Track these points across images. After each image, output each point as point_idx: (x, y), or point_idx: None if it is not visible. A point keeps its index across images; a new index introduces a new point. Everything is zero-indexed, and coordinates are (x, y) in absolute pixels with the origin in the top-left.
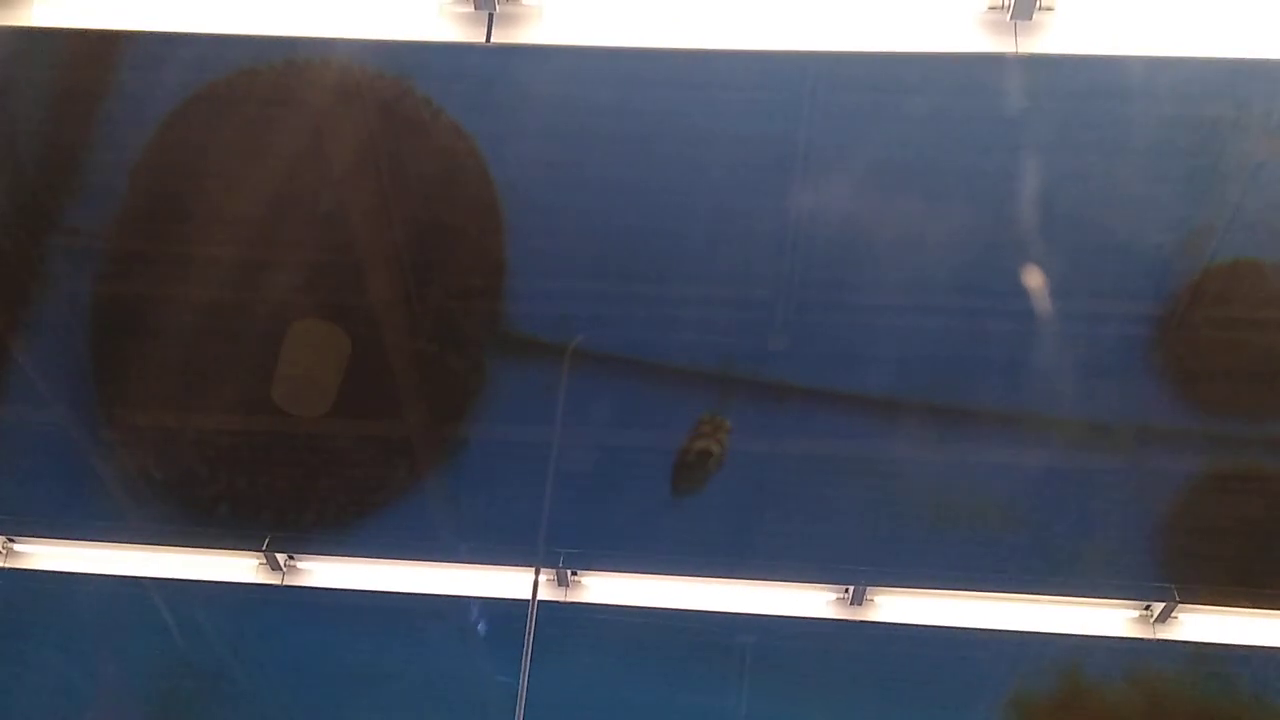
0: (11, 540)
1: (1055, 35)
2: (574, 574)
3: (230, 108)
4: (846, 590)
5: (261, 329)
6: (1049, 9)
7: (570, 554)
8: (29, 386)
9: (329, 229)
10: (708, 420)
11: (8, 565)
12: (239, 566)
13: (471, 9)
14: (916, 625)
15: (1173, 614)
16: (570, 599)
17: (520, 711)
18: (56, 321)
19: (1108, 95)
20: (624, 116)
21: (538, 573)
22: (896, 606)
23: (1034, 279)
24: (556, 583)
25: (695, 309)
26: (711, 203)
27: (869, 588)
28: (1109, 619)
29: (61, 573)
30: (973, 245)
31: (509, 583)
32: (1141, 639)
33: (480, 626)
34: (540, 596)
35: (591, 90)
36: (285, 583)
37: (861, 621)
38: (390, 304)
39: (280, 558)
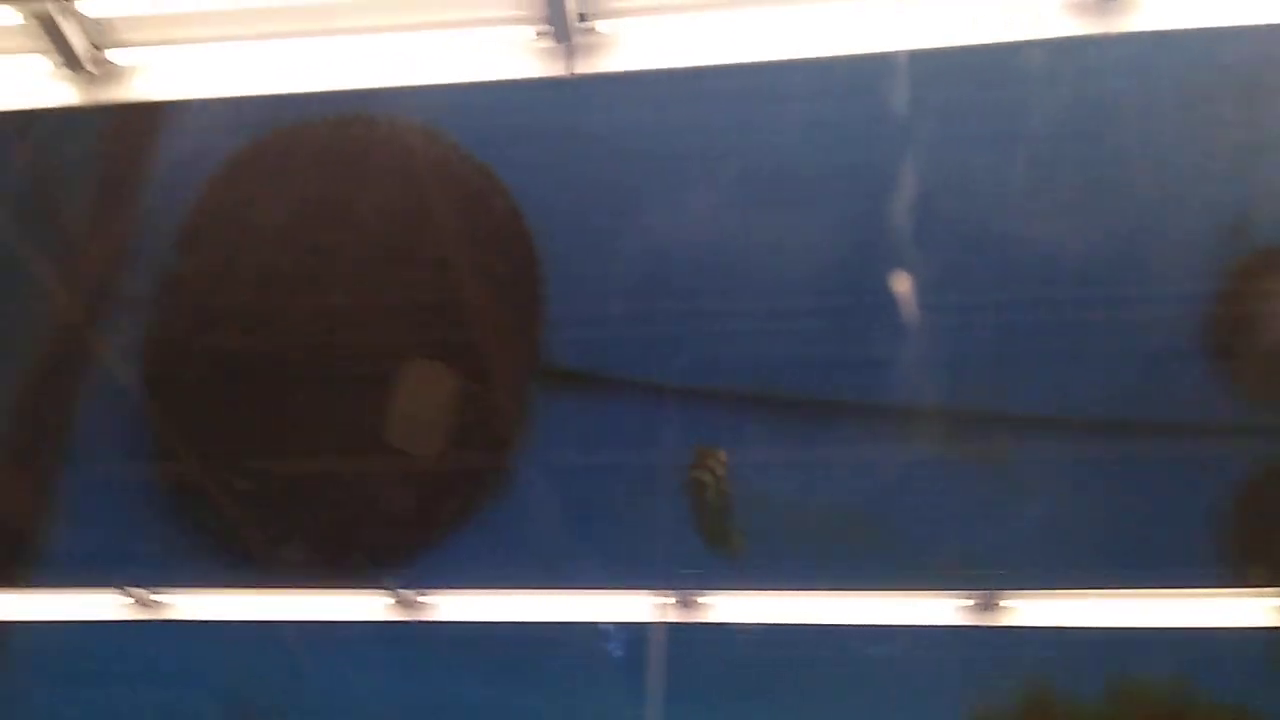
0: (152, 592)
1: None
2: (697, 595)
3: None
4: (979, 596)
5: (338, 374)
6: None
7: (691, 575)
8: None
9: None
10: (702, 451)
11: (151, 616)
12: (369, 605)
13: (552, 43)
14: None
15: None
16: (696, 619)
17: None
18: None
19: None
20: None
21: (662, 595)
22: (1030, 610)
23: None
24: (680, 604)
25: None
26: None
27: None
28: None
29: (200, 621)
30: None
31: (631, 607)
32: None
33: (611, 650)
34: (665, 619)
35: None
36: (416, 618)
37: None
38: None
39: (409, 594)
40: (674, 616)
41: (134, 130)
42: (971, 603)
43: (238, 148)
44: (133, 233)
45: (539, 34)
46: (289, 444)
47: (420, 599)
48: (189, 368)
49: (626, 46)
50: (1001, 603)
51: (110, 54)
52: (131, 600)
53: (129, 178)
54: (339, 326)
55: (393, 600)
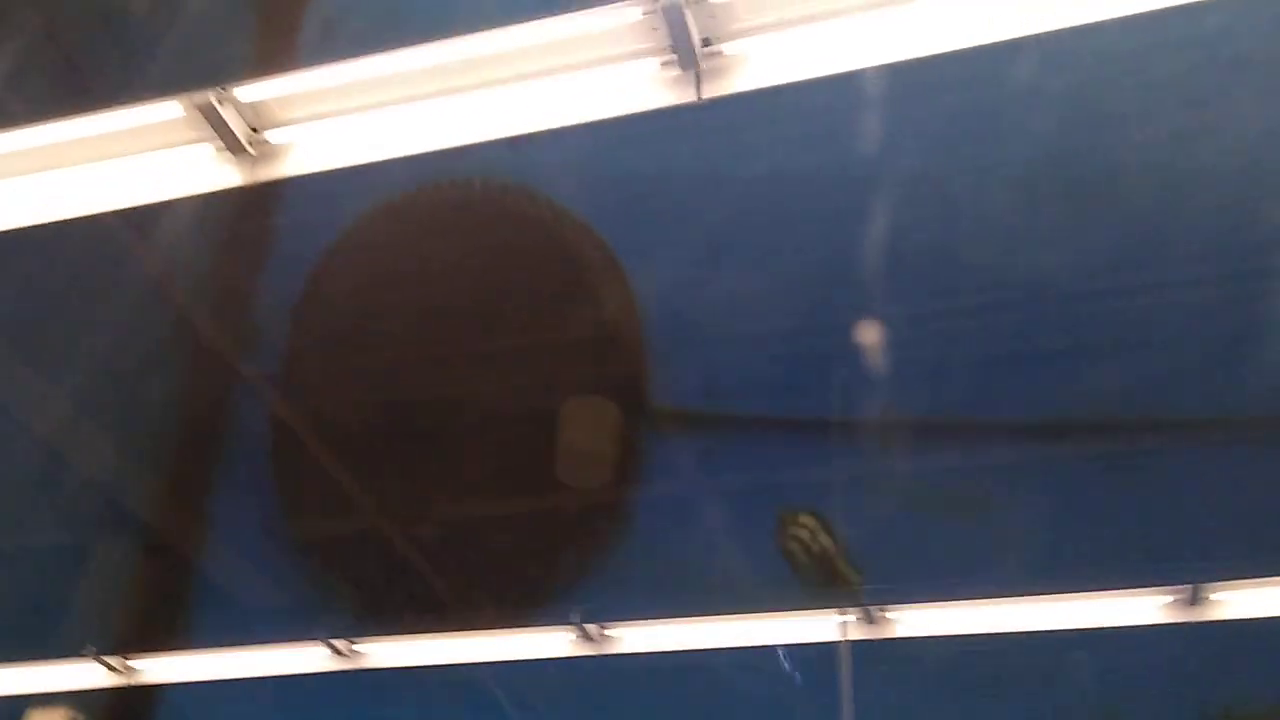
0: (352, 642)
1: None
2: (880, 609)
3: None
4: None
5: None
6: None
7: (875, 590)
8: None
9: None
10: (785, 518)
11: (353, 666)
12: (554, 641)
13: (679, 71)
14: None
15: None
16: (882, 635)
17: None
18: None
19: None
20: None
21: (845, 613)
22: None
23: None
24: (865, 620)
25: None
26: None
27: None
28: None
29: (400, 668)
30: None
31: (815, 627)
32: None
33: (795, 674)
34: (849, 636)
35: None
36: (600, 652)
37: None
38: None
39: (591, 628)
40: (859, 634)
41: (285, 202)
42: (1174, 599)
43: (376, 210)
44: (299, 299)
45: (664, 64)
46: (459, 489)
47: (605, 632)
48: (367, 424)
49: (753, 65)
50: (1210, 596)
51: (267, 134)
52: (331, 651)
53: (289, 247)
54: (475, 374)
55: (577, 635)
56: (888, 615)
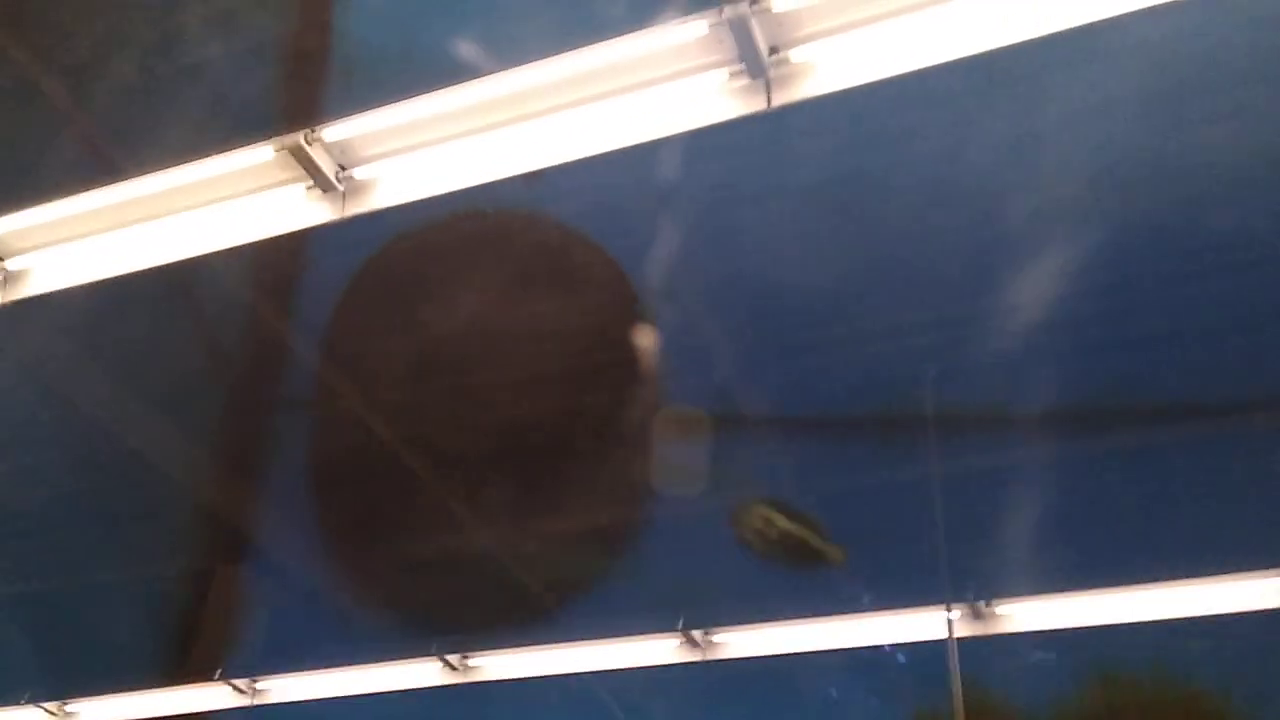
0: (465, 656)
1: None
2: (988, 604)
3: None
4: None
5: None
6: None
7: (981, 585)
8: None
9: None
10: (735, 514)
11: (464, 680)
12: (659, 648)
13: (748, 81)
14: None
15: None
16: (991, 632)
17: None
18: (469, 453)
19: None
20: None
21: (950, 609)
22: None
23: None
24: (972, 616)
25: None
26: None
27: None
28: None
29: (511, 680)
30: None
31: (920, 625)
32: None
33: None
34: (957, 634)
35: None
36: (704, 658)
37: None
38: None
39: (696, 634)
40: (966, 630)
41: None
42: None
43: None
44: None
45: (732, 75)
46: (561, 504)
47: (711, 638)
48: (472, 445)
49: (821, 70)
50: None
51: (354, 171)
52: (444, 665)
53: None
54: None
55: (681, 641)
56: (997, 611)
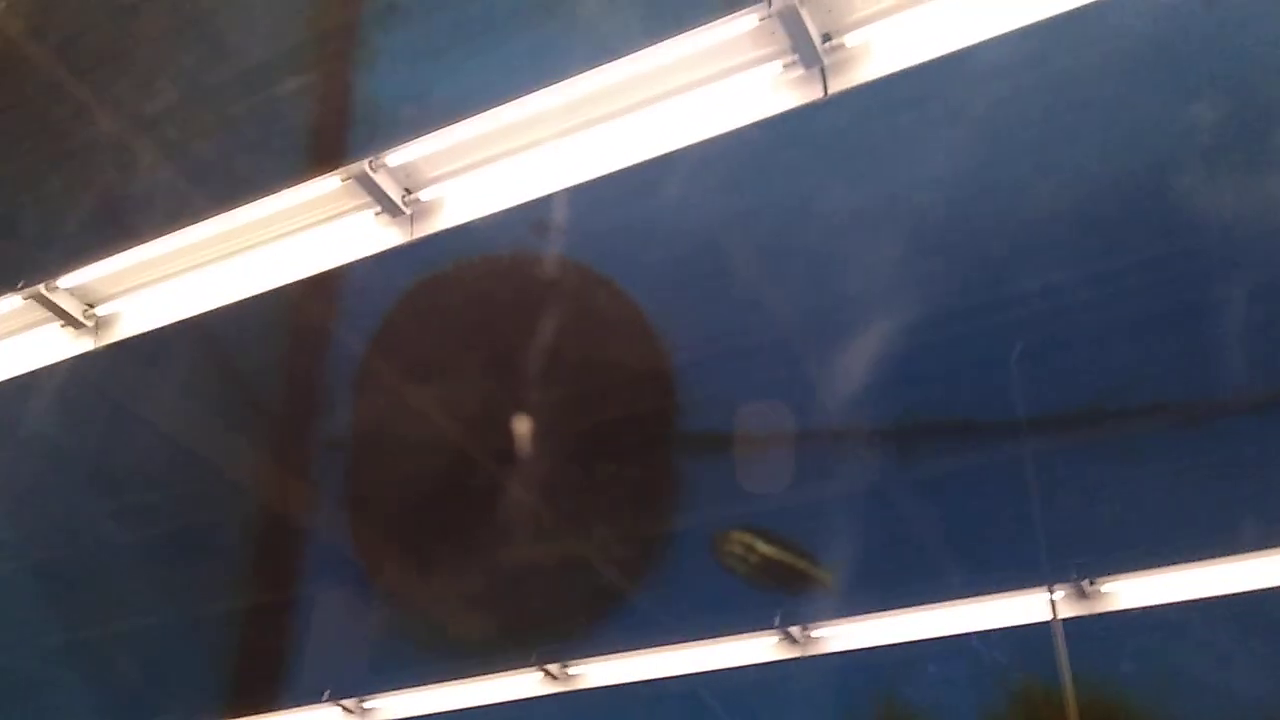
0: (565, 665)
1: None
2: (1092, 583)
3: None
4: None
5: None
6: None
7: (1083, 563)
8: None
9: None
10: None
11: (564, 689)
12: (757, 646)
13: (803, 71)
14: None
15: None
16: (1095, 611)
17: None
18: (556, 464)
19: None
20: None
21: (1052, 590)
22: None
23: None
24: (1076, 596)
25: None
26: None
27: None
28: None
29: (604, 687)
30: None
31: (1024, 607)
32: None
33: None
34: (1061, 614)
35: None
36: (803, 654)
37: None
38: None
39: (795, 630)
40: (1070, 610)
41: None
42: None
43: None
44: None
45: (786, 66)
46: (649, 507)
47: (810, 634)
48: (557, 454)
49: (877, 53)
50: None
51: (420, 194)
52: (544, 675)
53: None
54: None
55: (780, 638)
56: (1102, 590)
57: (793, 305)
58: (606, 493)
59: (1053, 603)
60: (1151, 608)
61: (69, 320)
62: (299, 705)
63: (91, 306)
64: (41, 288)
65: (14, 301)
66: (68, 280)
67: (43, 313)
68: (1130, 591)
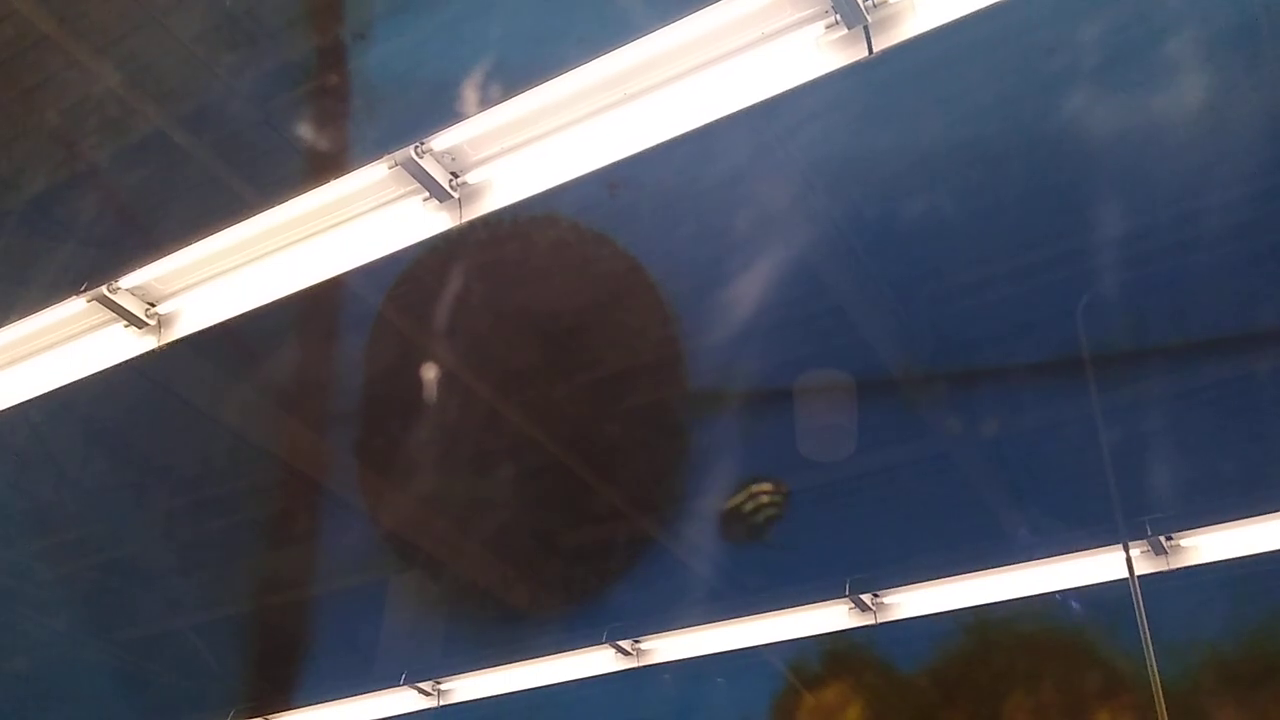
0: (637, 641)
1: None
2: (1169, 539)
3: None
4: None
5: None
6: None
7: (1158, 519)
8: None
9: None
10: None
11: (636, 664)
12: (831, 614)
13: (845, 31)
14: None
15: None
16: (1173, 566)
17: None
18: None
19: None
20: None
21: (1128, 548)
22: None
23: None
24: (1152, 552)
25: None
26: None
27: None
28: None
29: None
30: None
31: (1100, 566)
32: None
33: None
34: (1139, 571)
35: None
36: (879, 620)
37: None
38: None
39: (866, 598)
40: (1150, 566)
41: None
42: None
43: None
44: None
45: (828, 27)
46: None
47: (883, 599)
48: (618, 435)
49: (923, 6)
50: None
51: (467, 177)
52: (616, 652)
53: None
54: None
55: (851, 606)
56: (1182, 544)
57: (854, 271)
58: (672, 468)
59: (1129, 560)
60: None
61: (132, 320)
62: (377, 689)
63: (153, 305)
64: (104, 289)
65: (78, 304)
66: (129, 280)
67: (106, 314)
68: (1209, 546)
